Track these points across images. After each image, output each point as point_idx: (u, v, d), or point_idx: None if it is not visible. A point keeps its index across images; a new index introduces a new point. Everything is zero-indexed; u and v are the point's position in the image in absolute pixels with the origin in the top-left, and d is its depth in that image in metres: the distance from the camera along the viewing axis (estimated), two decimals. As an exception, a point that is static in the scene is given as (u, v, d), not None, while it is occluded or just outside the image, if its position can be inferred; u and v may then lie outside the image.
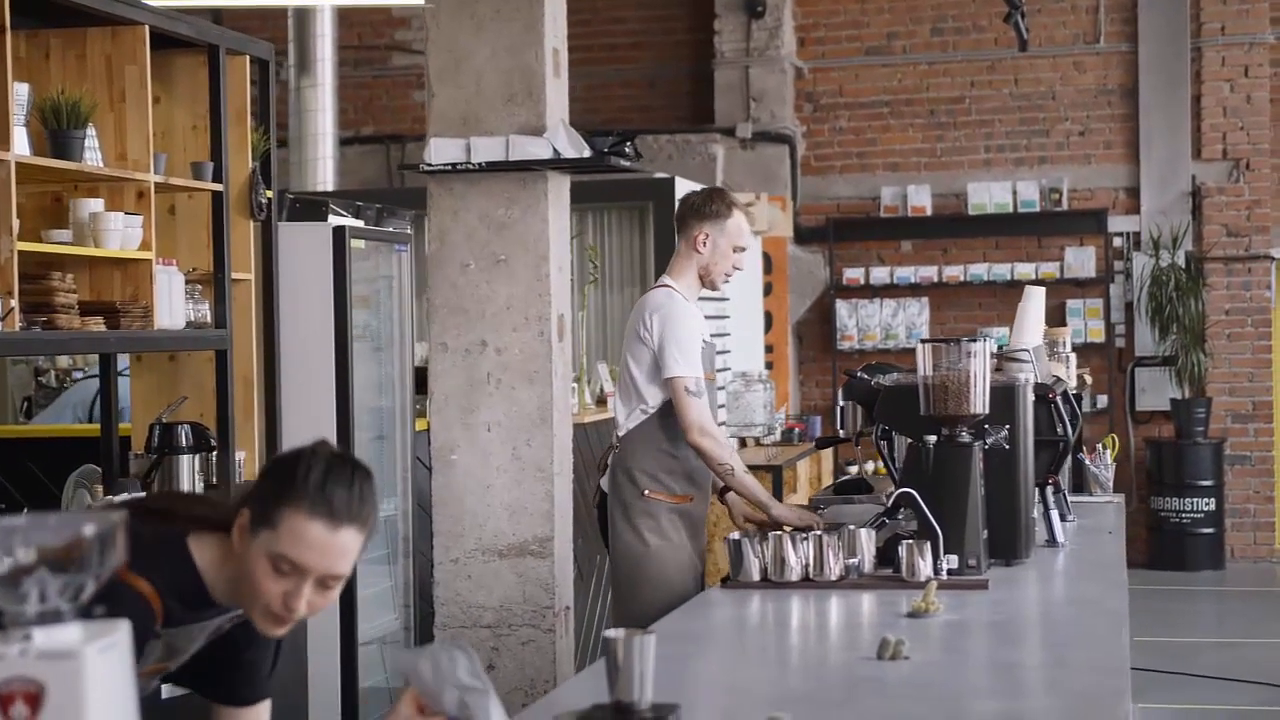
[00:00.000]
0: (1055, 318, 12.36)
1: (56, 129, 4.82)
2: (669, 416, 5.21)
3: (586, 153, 5.84)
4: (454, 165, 5.79)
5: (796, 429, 11.28)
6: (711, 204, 5.34)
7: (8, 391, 9.14)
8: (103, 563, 1.78)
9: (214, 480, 5.61)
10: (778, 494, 9.04)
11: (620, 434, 5.33)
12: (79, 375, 8.65)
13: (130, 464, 5.59)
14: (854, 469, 12.31)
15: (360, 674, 6.32)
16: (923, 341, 4.48)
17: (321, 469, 2.58)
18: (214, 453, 5.59)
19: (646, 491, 5.20)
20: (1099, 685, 3.05)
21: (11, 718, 1.71)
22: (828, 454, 11.35)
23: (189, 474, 5.42)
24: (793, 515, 5.08)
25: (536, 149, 5.78)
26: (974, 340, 4.44)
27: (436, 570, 5.67)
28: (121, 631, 1.79)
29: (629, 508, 5.23)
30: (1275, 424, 12.68)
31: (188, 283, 5.51)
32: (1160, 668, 8.87)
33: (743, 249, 5.35)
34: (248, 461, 5.87)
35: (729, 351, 10.46)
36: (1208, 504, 12.25)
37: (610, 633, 2.76)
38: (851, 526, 4.40)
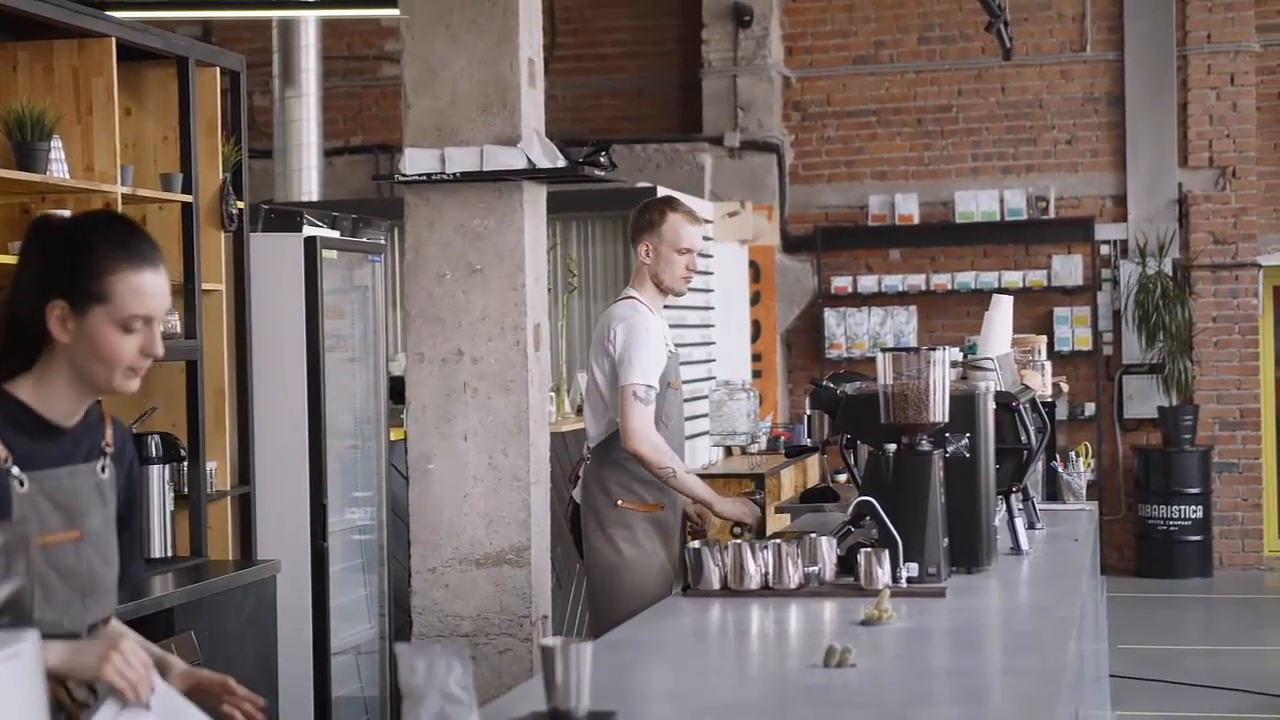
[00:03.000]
0: (1042, 326, 12.38)
1: (21, 141, 4.83)
2: None
3: (561, 163, 5.86)
4: (429, 176, 5.81)
5: (783, 437, 11.29)
6: (645, 214, 5.49)
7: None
8: (7, 572, 1.79)
9: (185, 490, 5.63)
10: (760, 504, 9.05)
11: (591, 445, 5.42)
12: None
13: (101, 474, 5.60)
14: (843, 478, 12.33)
15: (333, 684, 6.33)
16: (883, 350, 4.50)
17: (109, 231, 2.70)
18: (184, 463, 5.60)
19: (620, 502, 5.29)
20: (1035, 691, 3.06)
21: (-88, 726, 1.73)
22: (814, 462, 11.36)
23: (159, 484, 5.43)
24: (736, 509, 5.27)
25: (511, 159, 5.80)
26: (933, 349, 4.45)
27: (413, 579, 5.69)
28: (28, 642, 1.81)
29: (603, 518, 5.30)
30: (1263, 431, 12.70)
31: (158, 293, 5.52)
32: (1145, 675, 8.88)
33: (688, 250, 5.43)
34: (219, 472, 5.88)
35: (714, 360, 10.48)
36: (1195, 511, 12.25)
37: (546, 641, 2.78)
38: (813, 535, 4.41)
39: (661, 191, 10.04)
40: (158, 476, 5.44)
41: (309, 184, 10.68)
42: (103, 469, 2.80)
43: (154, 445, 5.44)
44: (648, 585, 5.20)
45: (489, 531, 5.76)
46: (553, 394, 8.19)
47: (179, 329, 5.60)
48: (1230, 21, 12.55)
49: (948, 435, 4.50)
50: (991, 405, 4.71)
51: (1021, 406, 5.05)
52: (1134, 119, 12.67)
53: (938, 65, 13.03)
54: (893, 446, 4.42)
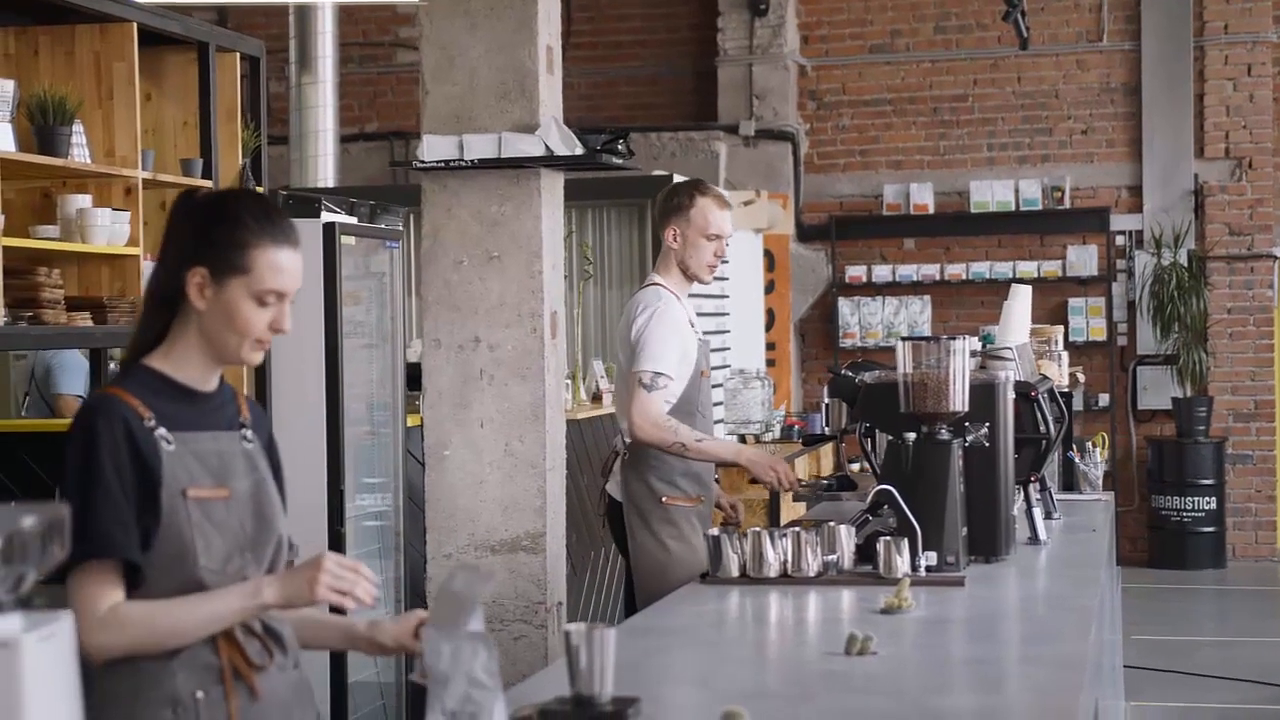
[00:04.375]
0: (1057, 316, 12.37)
1: (43, 125, 4.84)
2: (676, 418, 5.16)
3: (579, 150, 5.86)
4: (447, 162, 5.82)
5: (797, 426, 11.29)
6: (673, 198, 5.33)
7: (9, 387, 9.17)
8: (44, 554, 1.80)
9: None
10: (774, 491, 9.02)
11: (627, 440, 5.26)
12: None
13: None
14: (856, 466, 12.33)
15: (350, 668, 6.34)
16: (903, 339, 4.49)
17: (254, 207, 2.80)
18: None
19: (664, 498, 5.17)
20: (1057, 680, 3.06)
21: (-51, 706, 1.73)
22: (828, 450, 11.35)
23: (178, 469, 5.43)
24: (758, 464, 5.14)
25: (529, 146, 5.80)
26: (954, 338, 4.45)
27: (429, 566, 5.69)
28: (62, 623, 1.82)
29: (648, 515, 5.19)
30: (1277, 423, 12.67)
31: (177, 279, 5.53)
32: (1159, 666, 8.87)
33: (716, 236, 5.28)
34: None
35: (729, 349, 10.48)
36: (1209, 503, 12.24)
37: (570, 627, 2.78)
38: (831, 523, 4.41)
39: (679, 178, 10.03)
40: (176, 461, 5.44)
41: (325, 170, 10.68)
42: (247, 439, 2.90)
43: (172, 430, 5.43)
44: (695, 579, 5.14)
45: (505, 518, 5.77)
46: (568, 381, 8.19)
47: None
48: (1248, 12, 12.53)
49: (967, 425, 4.50)
50: (1011, 395, 4.71)
51: (1040, 396, 5.05)
52: (1150, 109, 12.65)
53: (954, 55, 13.01)
54: (912, 435, 4.42)
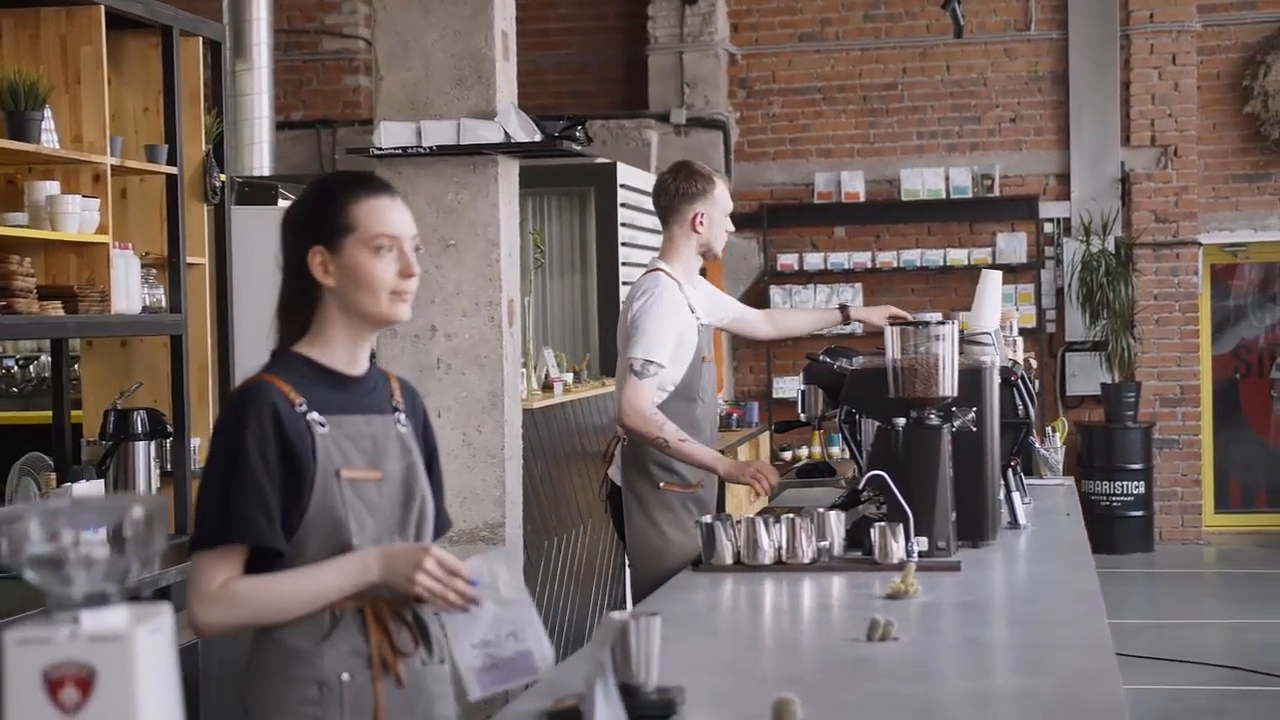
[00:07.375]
0: (988, 303, 12.45)
1: (14, 110, 4.74)
2: (675, 405, 5.11)
3: (537, 137, 5.83)
4: (404, 149, 5.76)
5: (734, 414, 11.32)
6: (693, 182, 5.29)
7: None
8: (149, 544, 1.76)
9: (169, 467, 5.55)
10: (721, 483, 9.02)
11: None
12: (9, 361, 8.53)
13: (83, 451, 5.52)
14: (787, 454, 12.37)
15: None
16: (892, 324, 4.50)
17: (338, 179, 2.91)
18: (169, 439, 5.52)
19: (662, 484, 5.13)
20: (1092, 664, 3.08)
21: (61, 702, 1.68)
22: (765, 439, 11.40)
23: (144, 460, 5.35)
24: (737, 471, 5.10)
25: (487, 133, 5.76)
26: (942, 323, 4.46)
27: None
28: (165, 614, 1.78)
29: (645, 501, 5.13)
30: (1202, 408, 12.85)
31: (143, 267, 5.44)
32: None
33: (729, 211, 5.40)
34: (203, 448, 5.80)
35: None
36: (1137, 487, 12.39)
37: (616, 615, 2.76)
38: (821, 509, 4.41)
39: (624, 170, 10.01)
40: (143, 453, 5.36)
41: (261, 158, 10.53)
42: (400, 423, 2.93)
43: (140, 421, 5.35)
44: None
45: (463, 508, 5.74)
46: (521, 371, 8.14)
47: (164, 303, 5.52)
48: (1172, 1, 12.67)
49: (954, 409, 4.50)
50: (997, 379, 4.73)
51: (1019, 380, 5.08)
52: (1077, 97, 12.76)
53: (883, 43, 13.06)
54: (902, 421, 4.42)
